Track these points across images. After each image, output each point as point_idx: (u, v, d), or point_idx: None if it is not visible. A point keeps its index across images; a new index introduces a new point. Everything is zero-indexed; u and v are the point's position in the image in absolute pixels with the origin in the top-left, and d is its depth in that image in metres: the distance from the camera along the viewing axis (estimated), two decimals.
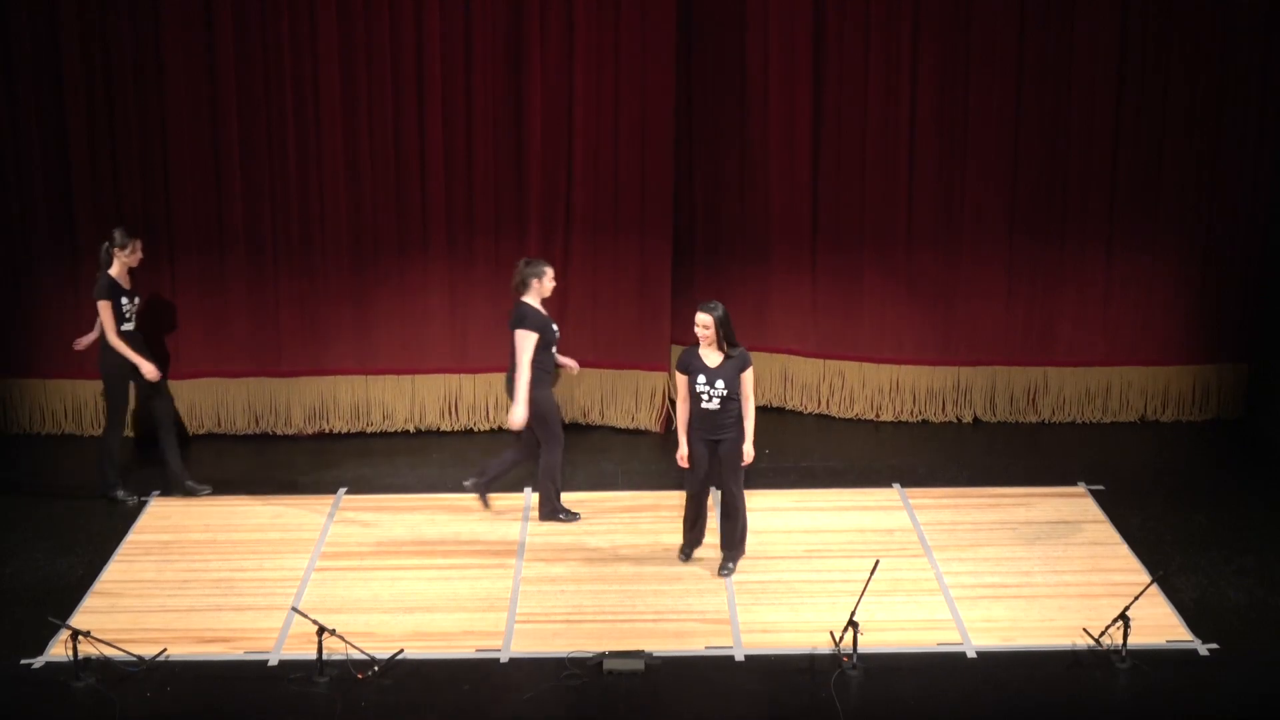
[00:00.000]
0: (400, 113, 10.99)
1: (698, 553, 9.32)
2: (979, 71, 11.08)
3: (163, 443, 10.34)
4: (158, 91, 10.86)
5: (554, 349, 9.59)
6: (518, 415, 9.45)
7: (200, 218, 11.08)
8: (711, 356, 8.80)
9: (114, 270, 10.08)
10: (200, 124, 10.92)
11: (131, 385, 10.25)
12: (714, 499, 9.31)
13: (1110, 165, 11.25)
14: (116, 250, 10.07)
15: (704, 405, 8.82)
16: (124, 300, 10.10)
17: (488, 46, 10.91)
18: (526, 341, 9.39)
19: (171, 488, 10.37)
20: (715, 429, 8.87)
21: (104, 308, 10.01)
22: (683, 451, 8.96)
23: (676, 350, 10.95)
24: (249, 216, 11.09)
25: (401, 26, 10.84)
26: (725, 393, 8.78)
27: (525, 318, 9.43)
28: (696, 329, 8.78)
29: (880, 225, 11.36)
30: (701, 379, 8.78)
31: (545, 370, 9.51)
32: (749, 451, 8.93)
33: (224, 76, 10.84)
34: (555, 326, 9.59)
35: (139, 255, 10.17)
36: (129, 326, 10.16)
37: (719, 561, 9.17)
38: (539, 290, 9.53)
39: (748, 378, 8.84)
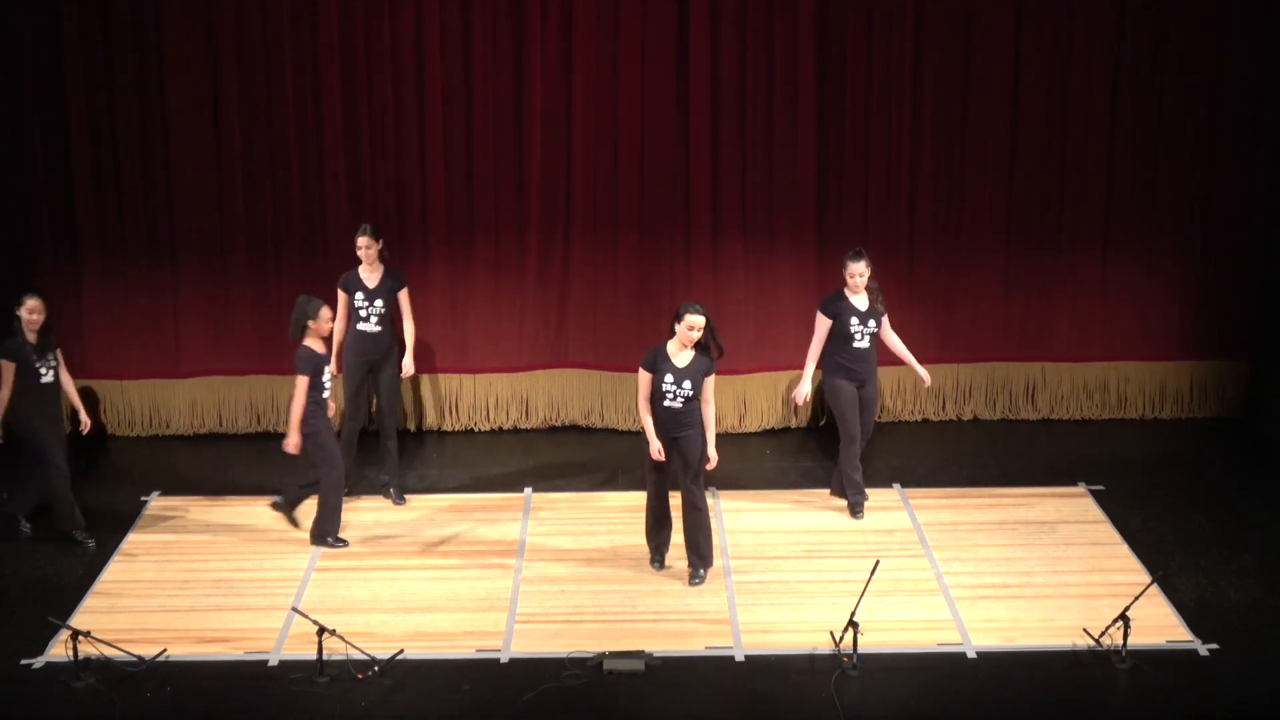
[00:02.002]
0: (400, 113, 10.99)
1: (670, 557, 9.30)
2: (978, 70, 11.09)
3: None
4: (159, 91, 10.87)
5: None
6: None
7: (202, 217, 11.09)
8: (682, 357, 8.79)
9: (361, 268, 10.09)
10: (202, 124, 10.93)
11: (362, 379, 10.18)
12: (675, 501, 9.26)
13: (1108, 163, 11.26)
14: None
15: (667, 404, 8.80)
16: (359, 295, 10.03)
17: (488, 47, 10.92)
18: (820, 326, 9.81)
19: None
20: (677, 426, 8.85)
21: (339, 300, 10.00)
22: (657, 445, 8.88)
23: None
24: (250, 216, 11.10)
25: (402, 26, 10.84)
26: (690, 393, 8.78)
27: (828, 302, 9.82)
28: (686, 330, 8.69)
29: (881, 225, 11.35)
30: (669, 378, 8.76)
31: (843, 363, 9.80)
32: (714, 455, 8.94)
33: (225, 76, 10.85)
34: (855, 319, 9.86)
35: (374, 249, 10.05)
36: (367, 327, 10.08)
37: (687, 571, 9.12)
38: (853, 287, 9.80)
39: (711, 381, 8.85)
